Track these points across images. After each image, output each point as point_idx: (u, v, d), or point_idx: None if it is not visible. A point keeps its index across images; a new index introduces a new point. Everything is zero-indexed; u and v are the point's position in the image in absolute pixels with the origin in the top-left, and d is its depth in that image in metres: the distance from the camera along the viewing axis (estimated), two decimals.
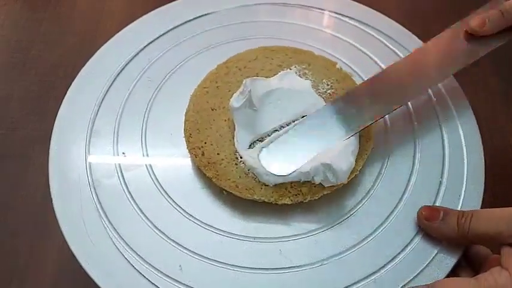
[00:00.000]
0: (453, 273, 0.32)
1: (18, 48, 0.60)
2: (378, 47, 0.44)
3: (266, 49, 0.41)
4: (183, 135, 0.37)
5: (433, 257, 0.33)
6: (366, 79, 0.40)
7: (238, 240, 0.33)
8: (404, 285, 0.32)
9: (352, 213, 0.35)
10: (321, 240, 0.33)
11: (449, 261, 0.33)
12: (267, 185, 0.34)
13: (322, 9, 0.47)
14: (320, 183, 0.34)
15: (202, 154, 0.36)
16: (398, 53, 0.43)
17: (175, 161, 0.37)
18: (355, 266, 0.32)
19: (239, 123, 0.36)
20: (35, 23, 0.63)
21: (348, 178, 0.34)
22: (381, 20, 0.46)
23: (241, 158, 0.35)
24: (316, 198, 0.34)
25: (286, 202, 0.34)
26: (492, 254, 0.33)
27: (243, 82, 0.35)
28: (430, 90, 0.41)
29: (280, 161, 0.34)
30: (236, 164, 0.35)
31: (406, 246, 0.33)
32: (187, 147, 0.36)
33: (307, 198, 0.34)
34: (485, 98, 0.55)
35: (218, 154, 0.36)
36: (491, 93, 0.55)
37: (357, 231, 0.34)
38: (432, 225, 0.33)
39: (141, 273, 0.32)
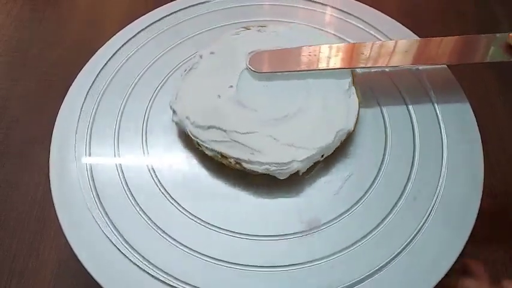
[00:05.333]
0: None
1: (18, 47, 0.60)
2: None
3: None
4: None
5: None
6: None
7: (243, 239, 0.33)
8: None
9: (357, 205, 0.35)
10: (330, 233, 0.33)
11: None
12: None
13: (324, 8, 0.47)
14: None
15: None
16: None
17: (176, 160, 0.37)
18: (366, 257, 0.32)
19: None
20: (35, 23, 0.63)
21: None
22: (383, 20, 0.46)
23: None
24: None
25: None
26: None
27: None
28: (429, 89, 0.41)
29: None
30: None
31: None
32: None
33: None
34: (485, 98, 0.55)
35: None
36: (491, 93, 0.56)
37: (364, 221, 0.34)
38: None
39: (143, 272, 0.32)
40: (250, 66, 0.38)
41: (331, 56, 0.38)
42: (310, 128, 0.35)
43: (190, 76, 0.38)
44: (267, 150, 0.34)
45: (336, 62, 0.38)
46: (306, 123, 0.36)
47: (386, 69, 0.41)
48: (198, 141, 0.35)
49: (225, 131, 0.35)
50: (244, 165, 0.34)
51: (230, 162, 0.35)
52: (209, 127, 0.35)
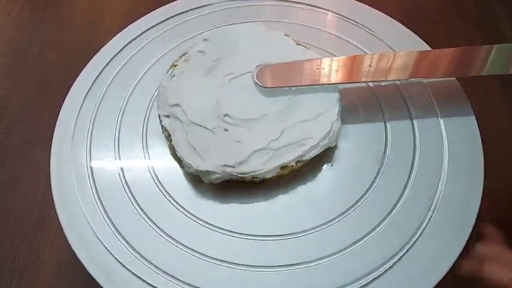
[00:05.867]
0: None
1: (18, 47, 0.60)
2: (380, 47, 0.44)
3: None
4: None
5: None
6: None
7: (244, 239, 0.33)
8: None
9: (358, 205, 0.35)
10: (330, 233, 0.33)
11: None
12: None
13: (324, 8, 0.47)
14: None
15: None
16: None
17: (176, 162, 0.37)
18: (366, 257, 0.32)
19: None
20: (36, 23, 0.63)
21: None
22: (383, 20, 0.46)
23: None
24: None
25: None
26: None
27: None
28: (429, 90, 0.41)
29: None
30: None
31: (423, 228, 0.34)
32: None
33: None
34: (486, 98, 0.55)
35: None
36: (491, 93, 0.56)
37: (365, 221, 0.34)
38: None
39: (143, 273, 0.32)
40: (257, 81, 0.37)
41: (332, 70, 0.38)
42: (315, 94, 0.37)
43: (179, 137, 0.36)
44: (308, 132, 0.35)
45: (337, 77, 0.38)
46: (309, 94, 0.37)
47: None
48: (255, 174, 0.34)
49: (264, 149, 0.34)
50: (304, 158, 0.35)
51: (292, 166, 0.34)
52: (250, 155, 0.34)
